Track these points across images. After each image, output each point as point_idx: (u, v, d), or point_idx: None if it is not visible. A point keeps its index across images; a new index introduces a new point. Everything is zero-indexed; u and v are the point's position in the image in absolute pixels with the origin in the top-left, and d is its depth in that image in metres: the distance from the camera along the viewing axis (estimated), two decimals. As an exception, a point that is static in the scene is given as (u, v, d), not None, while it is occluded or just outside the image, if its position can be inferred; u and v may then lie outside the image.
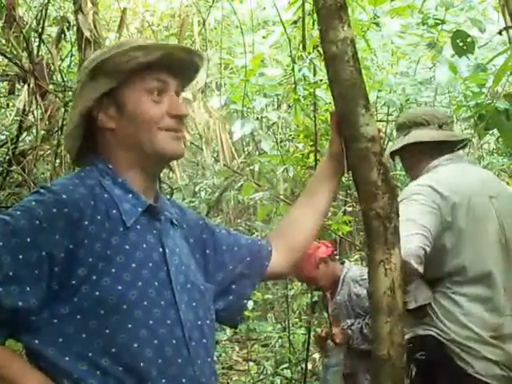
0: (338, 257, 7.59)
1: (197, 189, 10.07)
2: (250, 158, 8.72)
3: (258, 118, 7.26)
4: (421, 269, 2.87)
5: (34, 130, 5.68)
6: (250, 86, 5.97)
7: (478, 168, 3.76)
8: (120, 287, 1.77)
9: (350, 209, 7.22)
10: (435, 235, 3.01)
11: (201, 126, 5.25)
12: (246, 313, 7.71)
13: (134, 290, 1.79)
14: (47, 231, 1.73)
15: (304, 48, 5.70)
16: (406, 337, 3.03)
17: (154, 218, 1.94)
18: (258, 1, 7.01)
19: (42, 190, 1.82)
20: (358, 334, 4.38)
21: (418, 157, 3.39)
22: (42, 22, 5.75)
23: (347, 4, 2.27)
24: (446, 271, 3.11)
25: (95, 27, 4.90)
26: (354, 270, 4.70)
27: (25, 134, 6.22)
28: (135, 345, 1.76)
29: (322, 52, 2.37)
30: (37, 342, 1.74)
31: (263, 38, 6.73)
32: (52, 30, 6.21)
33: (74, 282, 1.74)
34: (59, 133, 5.38)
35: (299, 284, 7.56)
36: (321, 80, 5.67)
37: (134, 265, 1.81)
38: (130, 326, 1.76)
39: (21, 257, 1.70)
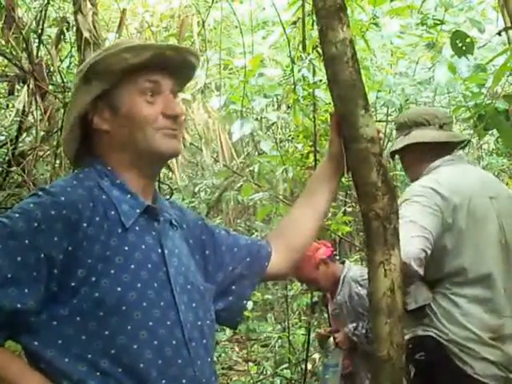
0: (337, 257, 7.63)
1: (196, 189, 10.06)
2: (249, 158, 8.73)
3: (257, 118, 7.27)
4: (421, 271, 2.88)
5: (34, 131, 5.68)
6: (249, 86, 5.98)
7: (478, 169, 3.76)
8: (119, 288, 1.77)
9: (349, 209, 7.22)
10: (436, 237, 3.01)
11: (200, 127, 5.25)
12: (246, 313, 7.70)
13: (133, 291, 1.79)
14: (45, 233, 1.73)
15: (304, 48, 5.70)
16: (406, 337, 3.05)
17: (152, 219, 1.94)
18: (257, 1, 7.00)
19: (40, 193, 1.82)
20: (363, 338, 4.38)
21: (418, 157, 3.39)
22: (41, 22, 5.74)
23: (346, 4, 2.27)
24: (446, 272, 3.11)
25: (95, 28, 4.90)
26: (354, 270, 4.70)
27: (24, 134, 6.21)
28: (135, 346, 1.76)
29: (321, 53, 2.37)
30: (36, 343, 1.74)
31: (263, 38, 6.74)
32: (51, 31, 6.21)
33: (73, 283, 1.74)
34: (59, 133, 5.37)
35: (299, 284, 7.56)
36: (320, 80, 5.67)
37: (133, 266, 1.81)
38: (129, 327, 1.76)
39: (19, 259, 1.70)
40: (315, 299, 6.59)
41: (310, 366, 6.70)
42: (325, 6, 2.20)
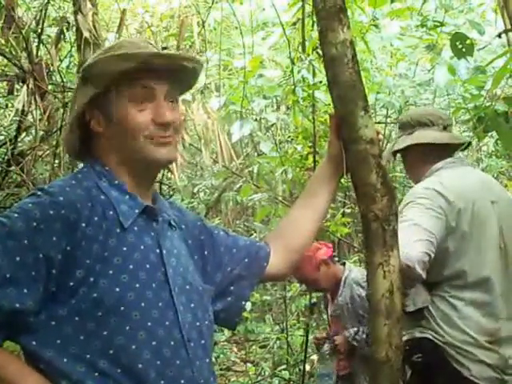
0: (336, 258, 7.63)
1: (195, 190, 10.07)
2: (248, 159, 8.72)
3: (256, 119, 7.27)
4: (424, 274, 2.88)
5: (33, 131, 5.69)
6: (249, 87, 5.98)
7: (478, 171, 3.78)
8: (118, 289, 1.77)
9: (348, 210, 7.23)
10: (439, 240, 3.01)
11: (200, 127, 5.25)
12: (244, 314, 7.69)
13: (132, 291, 1.78)
14: (44, 233, 1.73)
15: (303, 50, 5.70)
16: (403, 339, 3.06)
17: (151, 220, 1.94)
18: (257, 2, 7.00)
19: (38, 192, 1.81)
20: (364, 343, 4.37)
21: (420, 158, 3.39)
22: (41, 22, 5.74)
23: (346, 6, 2.27)
24: (446, 275, 3.11)
25: (95, 28, 4.90)
26: (355, 271, 4.69)
27: (24, 134, 6.21)
28: (133, 346, 1.76)
29: (321, 54, 2.37)
30: (35, 343, 1.74)
31: (262, 39, 6.74)
32: (51, 31, 6.21)
33: (71, 283, 1.74)
34: (58, 133, 5.38)
35: (297, 286, 7.56)
36: (320, 82, 5.67)
37: (131, 266, 1.81)
38: (127, 327, 1.76)
39: (18, 259, 1.70)
40: (314, 300, 6.60)
41: (308, 367, 6.70)
42: (325, 7, 2.20)
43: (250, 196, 6.39)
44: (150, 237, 1.90)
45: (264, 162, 7.10)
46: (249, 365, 8.05)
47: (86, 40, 4.79)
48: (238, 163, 7.07)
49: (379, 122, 7.35)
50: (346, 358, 4.56)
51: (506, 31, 3.73)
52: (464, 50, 3.73)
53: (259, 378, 7.70)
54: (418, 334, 3.12)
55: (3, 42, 5.40)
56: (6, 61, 5.90)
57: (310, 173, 5.89)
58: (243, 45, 5.69)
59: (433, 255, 2.92)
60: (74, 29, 5.26)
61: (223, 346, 8.59)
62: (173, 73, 1.95)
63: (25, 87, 5.06)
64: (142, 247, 1.86)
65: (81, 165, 2.04)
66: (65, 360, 1.73)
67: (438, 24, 5.36)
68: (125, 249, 1.82)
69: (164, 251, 1.91)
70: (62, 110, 5.39)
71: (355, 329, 4.48)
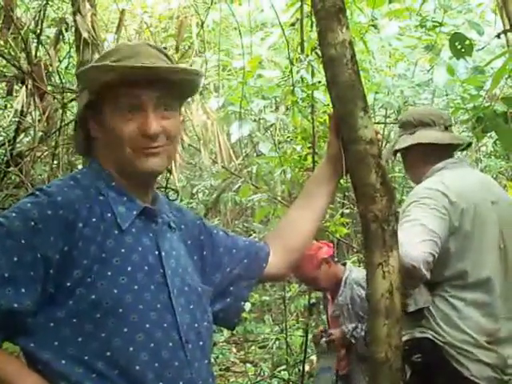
0: (336, 259, 7.63)
1: (194, 190, 10.07)
2: (247, 159, 8.72)
3: (255, 119, 7.26)
4: (429, 275, 2.88)
5: (32, 132, 5.68)
6: (247, 87, 5.98)
7: (477, 172, 3.79)
8: (116, 290, 1.76)
9: (347, 211, 7.23)
10: (443, 240, 3.01)
11: (199, 128, 5.25)
12: (244, 314, 7.69)
13: (130, 293, 1.78)
14: (42, 233, 1.73)
15: (302, 50, 5.70)
16: (403, 339, 3.05)
17: (150, 221, 1.94)
18: (256, 3, 7.00)
19: (37, 192, 1.82)
20: (362, 341, 4.37)
21: (421, 158, 3.39)
22: (40, 23, 5.74)
23: (345, 6, 2.27)
24: (447, 275, 3.11)
25: (93, 29, 4.90)
26: (356, 272, 4.69)
27: (22, 135, 6.21)
28: (131, 348, 1.76)
29: (320, 54, 2.37)
30: (33, 345, 1.74)
31: (261, 39, 6.74)
32: (50, 32, 6.21)
33: (69, 284, 1.74)
34: (57, 134, 5.38)
35: (296, 286, 7.57)
36: (319, 82, 5.67)
37: (129, 268, 1.81)
38: (125, 329, 1.76)
39: (16, 259, 1.70)
40: (313, 301, 6.60)
41: (307, 368, 6.70)
42: (324, 8, 2.20)
43: (249, 196, 6.39)
44: (149, 238, 1.90)
45: (263, 163, 7.09)
46: (248, 365, 8.05)
47: (85, 41, 4.79)
48: (237, 164, 7.06)
49: (378, 123, 7.35)
50: (344, 357, 4.56)
51: (505, 31, 3.72)
52: (463, 50, 3.72)
53: (258, 378, 7.70)
54: (418, 334, 3.12)
55: (2, 42, 5.40)
56: (4, 61, 5.90)
57: (310, 173, 5.89)
58: (242, 45, 5.69)
59: (437, 255, 2.93)
60: (73, 29, 5.25)
61: (222, 347, 8.59)
62: (165, 81, 1.92)
63: (24, 88, 5.06)
64: (140, 249, 1.86)
65: (79, 166, 2.05)
66: (63, 361, 1.72)
67: (437, 24, 5.36)
68: (123, 250, 1.82)
69: (163, 253, 1.90)
70: (61, 111, 5.39)
71: (353, 325, 4.48)
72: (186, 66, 2.16)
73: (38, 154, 5.68)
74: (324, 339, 4.64)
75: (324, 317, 5.80)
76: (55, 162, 5.42)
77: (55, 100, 5.48)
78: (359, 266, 6.91)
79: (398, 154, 3.64)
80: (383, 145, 6.65)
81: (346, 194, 7.49)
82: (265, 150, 6.54)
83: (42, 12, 5.75)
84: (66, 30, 5.61)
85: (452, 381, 3.05)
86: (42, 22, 5.77)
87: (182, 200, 9.15)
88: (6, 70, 6.05)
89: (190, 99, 5.16)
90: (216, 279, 2.13)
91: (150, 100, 1.90)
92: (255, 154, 8.77)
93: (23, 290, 1.70)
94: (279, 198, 6.99)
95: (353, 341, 4.45)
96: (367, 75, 6.02)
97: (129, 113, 1.88)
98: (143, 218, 1.92)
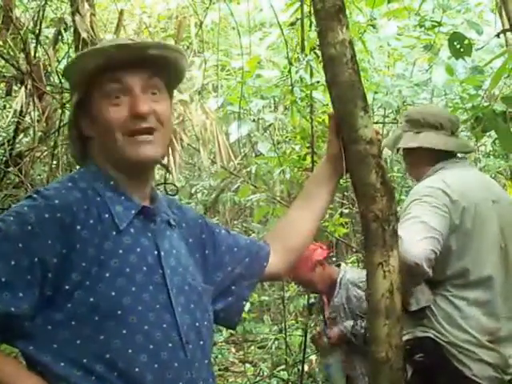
0: (334, 259, 7.62)
1: (193, 190, 10.06)
2: (246, 159, 8.71)
3: (254, 119, 7.26)
4: (431, 272, 2.89)
5: (31, 132, 5.68)
6: (246, 87, 5.98)
7: (478, 172, 3.80)
8: (114, 293, 1.75)
9: (346, 211, 7.23)
10: (444, 238, 3.02)
11: (198, 128, 5.24)
12: (243, 314, 7.68)
13: (128, 295, 1.77)
14: (39, 236, 1.72)
15: (303, 49, 5.70)
16: (404, 338, 3.06)
17: (148, 220, 1.92)
18: (255, 2, 7.00)
19: (34, 195, 1.80)
20: (361, 339, 4.36)
21: (426, 159, 3.38)
22: (39, 23, 5.73)
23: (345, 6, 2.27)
24: (449, 274, 3.12)
25: (92, 29, 4.90)
26: (351, 272, 4.70)
27: (22, 135, 6.21)
28: (130, 350, 1.75)
29: (319, 54, 2.37)
30: (32, 348, 1.73)
31: (260, 39, 6.74)
32: (49, 32, 6.21)
33: (67, 287, 1.72)
34: (56, 134, 5.38)
35: (295, 286, 7.56)
36: (317, 82, 5.67)
37: (127, 269, 1.79)
38: (124, 331, 1.75)
39: (13, 263, 1.69)
40: (312, 301, 6.59)
41: (306, 368, 6.71)
42: (324, 8, 2.20)
43: (248, 196, 6.39)
44: (147, 238, 1.89)
45: (262, 163, 7.09)
46: (247, 365, 8.04)
47: (84, 41, 4.80)
48: (236, 163, 7.05)
49: (377, 122, 7.35)
50: (346, 358, 4.56)
51: (504, 31, 3.72)
52: (462, 50, 3.73)
53: (258, 378, 7.69)
54: (419, 334, 3.13)
55: (1, 43, 5.40)
56: (3, 62, 5.89)
57: (308, 173, 5.89)
58: (241, 45, 5.70)
59: (438, 253, 2.94)
60: (72, 30, 5.26)
61: (221, 347, 8.58)
62: (150, 63, 1.90)
63: (23, 88, 5.05)
64: (139, 249, 1.84)
65: (79, 166, 2.03)
66: (62, 364, 1.72)
67: (436, 24, 5.36)
68: (121, 251, 1.81)
69: (162, 252, 1.89)
70: (60, 111, 5.39)
71: (351, 323, 4.48)
72: (168, 43, 2.12)
73: (38, 154, 5.68)
74: (325, 338, 4.64)
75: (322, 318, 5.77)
76: (54, 162, 5.42)
77: (54, 100, 5.48)
78: (358, 266, 6.93)
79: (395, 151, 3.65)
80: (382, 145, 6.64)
81: (345, 193, 7.50)
82: (264, 149, 6.55)
83: (40, 12, 5.74)
84: (65, 30, 5.60)
85: (453, 380, 3.06)
86: (41, 22, 5.77)
87: (181, 200, 9.15)
88: (4, 70, 6.05)
89: (189, 99, 5.17)
90: (218, 278, 2.12)
91: (137, 82, 1.87)
92: (254, 154, 8.77)
93: (21, 294, 1.69)
94: (278, 198, 6.99)
95: (353, 339, 4.45)
96: (366, 75, 6.02)
97: (116, 98, 1.86)
98: (141, 217, 1.90)
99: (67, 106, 5.32)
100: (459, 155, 3.47)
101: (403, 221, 2.99)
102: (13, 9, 5.20)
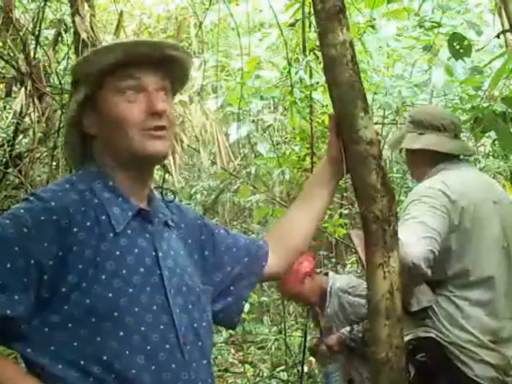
0: (334, 259, 7.63)
1: (193, 191, 10.06)
2: (246, 160, 8.71)
3: (254, 120, 7.26)
4: (429, 272, 2.90)
5: (31, 133, 5.68)
6: (246, 88, 5.99)
7: (479, 172, 3.81)
8: (110, 294, 1.75)
9: (346, 211, 7.23)
10: (443, 238, 3.03)
11: (197, 129, 5.24)
12: (242, 315, 7.67)
13: (125, 296, 1.77)
14: (35, 239, 1.72)
15: (304, 50, 5.71)
16: (407, 338, 3.09)
17: (146, 221, 1.92)
18: (254, 3, 7.01)
19: (31, 198, 1.80)
20: (360, 343, 4.36)
21: (428, 161, 3.39)
22: (38, 24, 5.73)
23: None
24: (450, 274, 3.13)
25: (92, 29, 4.90)
26: (340, 280, 4.70)
27: (21, 136, 6.21)
28: (127, 352, 1.75)
29: (318, 54, 2.37)
30: (29, 350, 1.73)
31: (259, 40, 6.74)
32: (49, 33, 6.20)
33: (64, 289, 1.72)
34: (56, 135, 5.38)
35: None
36: (317, 83, 5.68)
37: (124, 271, 1.79)
38: (121, 333, 1.75)
39: (9, 265, 1.68)
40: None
41: (306, 369, 6.68)
42: (324, 9, 2.20)
43: (248, 197, 6.39)
44: (145, 239, 1.89)
45: (261, 163, 7.09)
46: (247, 366, 8.02)
47: (84, 42, 4.79)
48: (235, 164, 7.06)
49: (376, 123, 7.35)
50: (347, 362, 4.56)
51: (504, 32, 3.73)
52: (461, 50, 3.74)
53: (257, 379, 7.68)
54: (421, 334, 3.14)
55: (1, 43, 5.40)
56: (3, 63, 5.90)
57: (308, 174, 5.89)
58: (240, 46, 5.70)
59: (437, 253, 2.95)
60: (72, 31, 5.26)
61: (221, 347, 8.57)
62: (162, 64, 1.92)
63: (23, 89, 5.05)
64: (136, 251, 1.84)
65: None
66: (59, 366, 1.72)
67: (435, 25, 5.37)
68: (118, 253, 1.80)
69: (160, 253, 1.89)
70: (59, 112, 5.39)
71: (348, 328, 4.48)
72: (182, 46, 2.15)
73: (37, 155, 5.68)
74: (323, 347, 4.64)
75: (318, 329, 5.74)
76: (54, 162, 5.42)
77: (54, 101, 5.48)
78: (358, 267, 6.92)
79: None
80: (382, 145, 6.65)
81: (345, 194, 7.49)
82: (263, 150, 6.55)
83: (40, 13, 5.74)
84: (65, 31, 5.61)
85: (455, 380, 3.07)
86: (41, 23, 5.76)
87: (180, 201, 9.15)
88: (4, 71, 6.05)
89: (188, 100, 5.17)
90: (217, 279, 2.12)
91: (152, 81, 1.90)
92: (253, 155, 8.77)
93: (16, 297, 1.68)
94: (278, 199, 6.99)
95: (353, 344, 4.45)
96: (365, 76, 6.02)
97: (131, 95, 1.87)
98: (139, 218, 1.90)
99: (67, 107, 5.32)
100: (461, 156, 3.47)
101: (402, 221, 3.01)
102: (13, 10, 5.20)
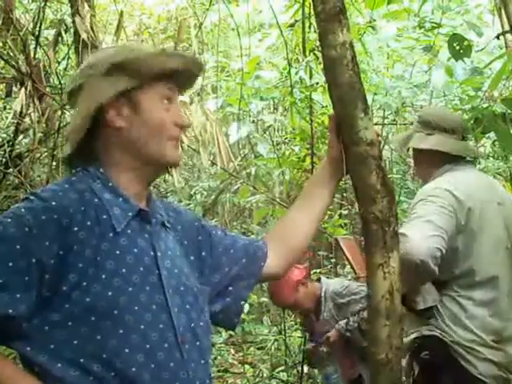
0: (333, 260, 7.64)
1: (192, 191, 10.06)
2: (246, 160, 8.72)
3: (254, 120, 7.27)
4: (437, 270, 2.93)
5: (31, 133, 5.69)
6: (246, 88, 5.99)
7: (482, 174, 3.84)
8: (110, 293, 1.76)
9: (345, 212, 7.24)
10: (450, 238, 3.04)
11: (197, 129, 5.25)
12: (242, 315, 7.65)
13: (124, 295, 1.78)
14: (37, 238, 1.72)
15: (304, 51, 5.71)
16: (411, 336, 3.14)
17: (145, 222, 1.93)
18: (254, 4, 7.01)
19: (31, 197, 1.81)
20: (357, 332, 4.37)
21: (434, 161, 3.41)
22: (38, 24, 5.74)
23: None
24: (456, 274, 3.16)
25: (92, 30, 4.90)
26: (332, 284, 4.71)
27: (21, 136, 6.21)
28: (126, 350, 1.75)
29: (318, 55, 2.38)
30: (29, 348, 1.74)
31: (259, 41, 6.75)
32: (49, 33, 6.21)
33: (64, 288, 1.73)
34: (56, 135, 5.38)
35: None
36: (317, 83, 5.68)
37: (124, 270, 1.80)
38: (121, 331, 1.75)
39: (11, 264, 1.69)
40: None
41: (306, 369, 6.68)
42: (325, 9, 2.20)
43: (248, 198, 6.40)
44: (144, 239, 1.89)
45: (261, 164, 7.09)
46: (246, 366, 8.02)
47: (84, 42, 4.80)
48: (235, 165, 7.06)
49: (376, 123, 7.35)
50: (350, 362, 4.56)
51: (504, 33, 3.74)
52: (461, 51, 3.74)
53: (257, 379, 7.68)
54: (426, 332, 3.17)
55: (1, 44, 5.41)
56: (3, 63, 5.90)
57: (308, 174, 5.90)
58: (240, 46, 5.70)
59: (444, 251, 2.97)
60: (72, 31, 5.26)
61: (220, 348, 8.57)
62: (183, 79, 2.03)
63: (23, 89, 5.05)
64: (136, 250, 1.85)
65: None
66: (59, 364, 1.72)
67: (435, 25, 5.37)
68: (118, 252, 1.81)
69: (158, 253, 1.90)
70: (59, 112, 5.39)
71: (345, 320, 4.49)
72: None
73: (37, 155, 5.69)
74: (323, 349, 4.63)
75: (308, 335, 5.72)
76: (54, 163, 5.41)
77: (54, 101, 5.48)
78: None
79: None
80: (382, 146, 6.65)
81: (344, 194, 7.50)
82: (263, 151, 6.55)
83: (40, 13, 5.74)
84: (65, 32, 5.61)
85: (459, 379, 3.09)
86: (41, 23, 5.77)
87: (180, 201, 9.15)
88: (4, 71, 6.06)
89: (188, 100, 5.18)
90: (215, 279, 2.12)
91: (177, 94, 2.01)
92: (253, 156, 8.77)
93: (18, 296, 1.69)
94: (277, 200, 6.99)
95: (349, 335, 4.45)
96: (365, 76, 6.02)
97: (167, 105, 1.95)
98: (138, 218, 1.91)
99: (67, 107, 5.33)
100: (469, 159, 3.50)
101: (409, 220, 3.07)
102: (13, 10, 5.20)
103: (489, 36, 5.19)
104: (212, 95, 7.22)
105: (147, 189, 2.01)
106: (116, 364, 1.74)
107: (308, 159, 6.03)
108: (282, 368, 7.50)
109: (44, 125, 5.36)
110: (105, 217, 1.84)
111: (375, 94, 6.25)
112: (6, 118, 6.37)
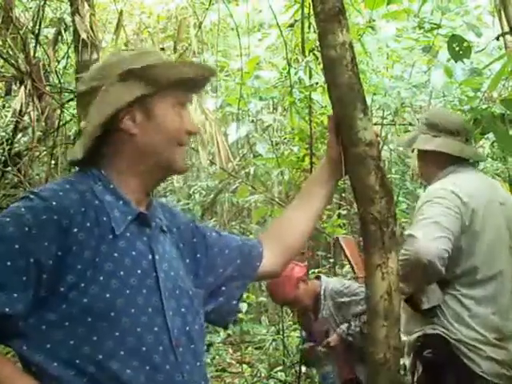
0: (332, 260, 7.64)
1: (191, 191, 10.06)
2: (245, 160, 8.72)
3: (253, 120, 7.27)
4: (444, 270, 3.00)
5: (30, 131, 5.69)
6: (245, 88, 5.99)
7: (484, 175, 3.89)
8: (108, 295, 1.75)
9: (344, 212, 7.24)
10: (455, 238, 3.08)
11: (197, 129, 5.23)
12: (240, 315, 7.66)
13: (122, 297, 1.77)
14: (36, 238, 1.72)
15: (303, 51, 5.71)
16: (415, 335, 3.18)
17: (144, 225, 1.92)
18: (253, 4, 7.01)
19: (31, 196, 1.79)
20: (359, 338, 4.37)
21: (438, 162, 3.45)
22: (38, 23, 5.74)
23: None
24: (458, 273, 3.20)
25: (92, 29, 4.90)
26: (332, 282, 4.72)
27: (20, 134, 6.22)
28: (122, 352, 1.75)
29: (318, 55, 2.38)
30: (25, 348, 1.73)
31: (259, 40, 6.75)
32: (49, 32, 6.21)
33: (62, 288, 1.73)
34: (55, 134, 5.38)
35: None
36: (316, 83, 5.68)
37: (122, 272, 1.80)
38: (117, 333, 1.75)
39: (9, 263, 1.69)
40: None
41: (304, 369, 6.69)
42: (324, 10, 2.20)
43: (247, 197, 6.40)
44: (143, 242, 1.89)
45: (260, 164, 7.09)
46: (244, 366, 8.02)
47: (84, 41, 4.79)
48: (234, 164, 7.06)
49: (375, 124, 7.35)
50: (347, 363, 4.56)
51: (503, 34, 3.74)
52: (461, 52, 3.74)
53: (255, 379, 7.68)
54: (429, 331, 3.20)
55: (1, 42, 5.41)
56: (3, 61, 5.90)
57: (307, 174, 5.90)
58: (240, 46, 5.70)
59: (450, 252, 3.03)
60: (72, 30, 5.26)
61: (218, 347, 8.57)
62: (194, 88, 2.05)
63: (22, 88, 5.05)
64: (134, 253, 1.85)
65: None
66: (55, 364, 1.72)
67: (435, 26, 5.37)
68: (116, 255, 1.81)
69: (156, 256, 1.89)
70: (59, 111, 5.39)
71: (346, 324, 4.49)
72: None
73: (36, 153, 5.69)
74: (321, 349, 4.63)
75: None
76: (53, 161, 5.42)
77: (53, 100, 5.48)
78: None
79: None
80: (381, 147, 6.66)
81: (343, 195, 7.51)
82: (262, 150, 6.55)
83: (40, 12, 5.74)
84: (65, 31, 5.62)
85: (463, 377, 3.13)
86: (41, 22, 5.77)
87: (179, 200, 9.16)
88: (4, 69, 6.05)
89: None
90: (209, 281, 2.12)
91: (189, 98, 2.03)
92: (252, 155, 8.77)
93: (15, 295, 1.69)
94: (276, 199, 7.00)
95: (350, 338, 4.45)
96: (365, 77, 6.03)
97: (180, 111, 1.95)
98: (137, 222, 1.91)
99: (66, 106, 5.33)
100: (471, 161, 3.52)
101: (416, 221, 3.14)
102: (13, 8, 5.20)
103: (488, 37, 5.20)
104: (211, 95, 7.21)
105: (149, 195, 2.01)
106: (111, 366, 1.74)
107: (307, 159, 6.02)
108: (280, 368, 7.50)
109: (43, 123, 5.36)
110: (105, 219, 1.84)
111: (374, 94, 6.26)
112: (6, 116, 6.37)
